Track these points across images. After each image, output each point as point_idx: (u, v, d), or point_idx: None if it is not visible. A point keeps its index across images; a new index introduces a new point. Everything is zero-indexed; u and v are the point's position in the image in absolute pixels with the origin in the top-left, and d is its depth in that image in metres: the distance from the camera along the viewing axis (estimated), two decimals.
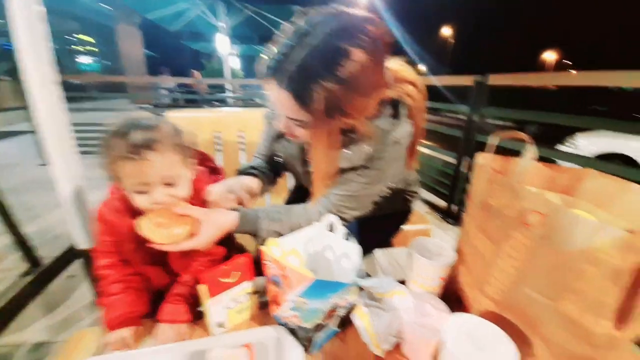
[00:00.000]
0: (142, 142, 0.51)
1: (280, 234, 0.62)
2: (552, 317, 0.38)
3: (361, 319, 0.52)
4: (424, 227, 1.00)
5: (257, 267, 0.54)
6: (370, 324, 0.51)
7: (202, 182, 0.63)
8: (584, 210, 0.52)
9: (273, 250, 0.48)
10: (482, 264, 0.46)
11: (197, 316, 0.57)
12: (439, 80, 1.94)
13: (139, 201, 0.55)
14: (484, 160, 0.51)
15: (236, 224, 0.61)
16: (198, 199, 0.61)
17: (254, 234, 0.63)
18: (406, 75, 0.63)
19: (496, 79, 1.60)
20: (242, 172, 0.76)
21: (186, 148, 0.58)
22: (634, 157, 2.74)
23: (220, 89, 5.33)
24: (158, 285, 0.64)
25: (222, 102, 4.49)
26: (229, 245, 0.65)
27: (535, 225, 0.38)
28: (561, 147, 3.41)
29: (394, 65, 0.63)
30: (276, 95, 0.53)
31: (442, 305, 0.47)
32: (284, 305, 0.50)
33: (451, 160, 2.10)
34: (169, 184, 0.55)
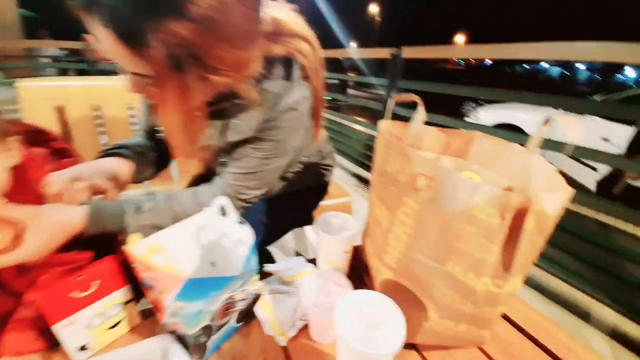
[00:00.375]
0: None
1: (160, 228, 0.51)
2: (440, 279, 0.38)
3: (263, 309, 0.46)
4: (345, 200, 0.99)
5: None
6: (273, 312, 0.46)
7: (36, 169, 0.46)
8: (474, 172, 0.54)
9: (136, 248, 0.38)
10: (380, 232, 0.44)
11: (55, 340, 0.44)
12: (359, 53, 1.95)
13: None
14: (383, 126, 0.49)
15: (84, 223, 0.46)
16: (30, 193, 0.45)
17: (119, 234, 0.50)
18: (297, 28, 0.53)
19: (409, 52, 1.66)
20: (105, 153, 0.57)
21: None
22: (520, 126, 3.28)
23: None
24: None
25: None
26: (97, 246, 0.52)
27: (423, 189, 0.36)
28: (466, 119, 3.91)
29: (281, 14, 0.52)
30: (100, 36, 0.38)
31: (345, 282, 0.44)
32: (165, 312, 0.41)
33: (375, 133, 2.18)
34: None
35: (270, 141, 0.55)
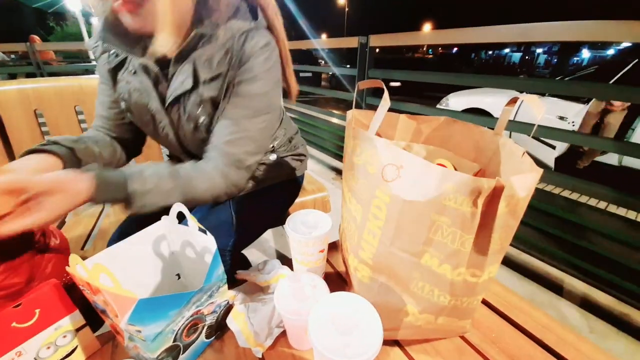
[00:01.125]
0: None
1: (168, 201, 0.46)
2: (416, 272, 0.37)
3: (236, 320, 0.43)
4: (322, 195, 0.97)
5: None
6: (246, 322, 0.43)
7: None
8: (446, 159, 0.53)
9: (78, 270, 0.33)
10: (355, 228, 0.42)
11: None
12: (327, 43, 1.90)
13: None
14: (350, 116, 0.46)
15: (91, 192, 0.42)
16: None
17: (126, 203, 0.46)
18: None
19: (377, 40, 1.64)
20: (30, 150, 0.49)
21: None
22: (488, 110, 3.41)
23: (81, 58, 4.15)
24: None
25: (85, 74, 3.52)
26: (28, 271, 0.46)
27: (392, 180, 0.34)
28: (439, 106, 4.00)
29: None
30: None
31: (321, 284, 0.42)
32: (123, 336, 0.37)
33: None
34: None
35: (251, 97, 0.53)
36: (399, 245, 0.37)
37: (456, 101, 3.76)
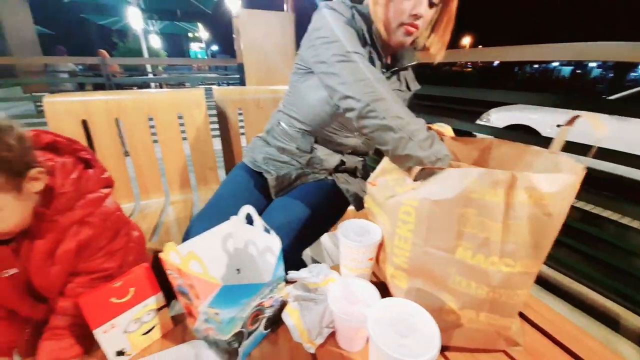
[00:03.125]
0: None
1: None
2: (452, 267, 0.39)
3: (291, 316, 0.47)
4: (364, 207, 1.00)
5: (160, 276, 0.45)
6: (300, 320, 0.47)
7: (64, 177, 0.47)
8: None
9: (172, 256, 0.39)
10: (387, 238, 0.47)
11: (90, 345, 0.46)
12: None
13: None
14: None
15: None
16: (59, 202, 0.47)
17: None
18: None
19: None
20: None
21: (7, 160, 0.40)
22: (533, 127, 3.23)
23: (142, 71, 4.64)
24: (30, 316, 0.50)
25: (144, 88, 3.92)
26: (131, 260, 0.54)
27: (417, 187, 0.39)
28: (479, 122, 3.86)
29: None
30: None
31: (372, 289, 0.45)
32: (197, 318, 0.42)
33: None
34: None
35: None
36: (433, 244, 0.40)
37: (499, 117, 3.59)
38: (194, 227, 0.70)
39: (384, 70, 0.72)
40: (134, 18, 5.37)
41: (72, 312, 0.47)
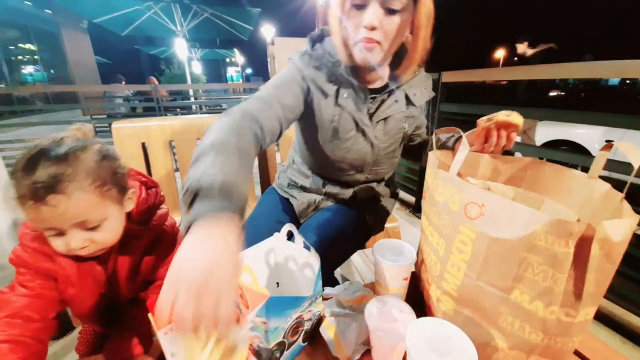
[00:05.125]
0: (46, 181, 0.41)
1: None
2: (505, 307, 0.38)
3: (328, 331, 0.50)
4: (393, 225, 1.00)
5: None
6: (338, 335, 0.49)
7: (137, 197, 0.55)
8: (529, 199, 0.54)
9: None
10: (437, 260, 0.46)
11: (149, 347, 0.52)
12: None
13: (55, 245, 0.46)
14: (432, 156, 0.52)
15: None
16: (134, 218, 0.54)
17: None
18: None
19: (449, 77, 1.67)
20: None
21: (115, 180, 0.48)
22: (579, 143, 2.99)
23: (184, 95, 5.11)
24: (103, 326, 0.58)
25: (186, 109, 4.30)
26: None
27: (476, 217, 0.38)
28: (518, 138, 3.67)
29: None
30: None
31: (407, 308, 0.46)
32: (244, 325, 0.46)
33: None
34: (89, 228, 0.46)
35: None
36: (487, 280, 0.39)
37: (540, 132, 3.36)
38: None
39: (371, 97, 0.70)
40: (180, 47, 5.96)
41: (139, 315, 0.53)
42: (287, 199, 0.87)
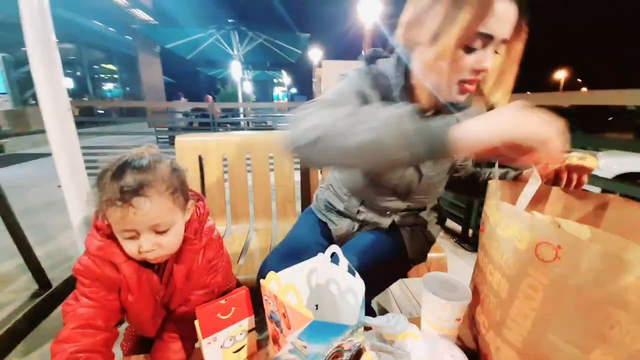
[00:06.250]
0: (133, 186, 0.47)
1: None
2: None
3: None
4: (439, 255, 0.94)
5: (254, 300, 0.51)
6: None
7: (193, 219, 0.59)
8: (611, 242, 0.47)
9: (272, 284, 0.45)
10: (497, 303, 0.41)
11: (190, 354, 0.54)
12: None
13: (127, 248, 0.51)
14: (494, 186, 0.48)
15: None
16: (193, 232, 0.58)
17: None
18: None
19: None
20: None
21: (182, 190, 0.54)
22: None
23: (234, 112, 5.54)
24: (152, 332, 0.61)
25: (235, 125, 4.63)
26: (226, 277, 0.62)
27: (550, 260, 0.33)
28: None
29: None
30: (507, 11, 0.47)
31: (460, 355, 0.42)
32: (283, 346, 0.46)
33: None
34: (159, 232, 0.51)
35: None
36: (561, 334, 0.34)
37: (608, 162, 2.99)
38: (269, 261, 0.76)
39: None
40: (235, 69, 6.52)
41: (188, 319, 0.56)
42: (325, 223, 0.87)
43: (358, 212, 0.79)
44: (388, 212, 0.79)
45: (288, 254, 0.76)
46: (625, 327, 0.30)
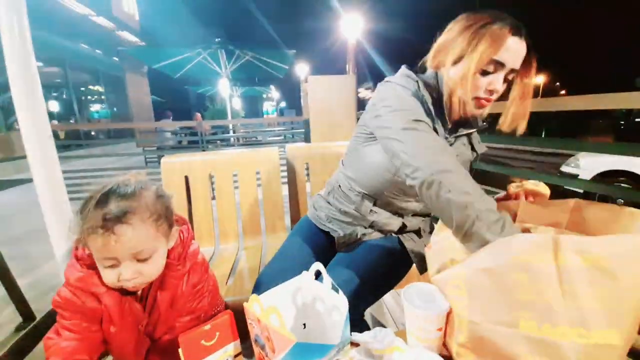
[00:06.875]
0: (116, 213, 0.47)
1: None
2: (521, 345, 0.36)
3: None
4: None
5: (242, 324, 0.51)
6: None
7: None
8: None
9: (254, 307, 0.45)
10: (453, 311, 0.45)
11: None
12: None
13: (106, 276, 0.50)
14: None
15: None
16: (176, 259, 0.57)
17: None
18: None
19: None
20: None
21: (167, 216, 0.54)
22: (638, 172, 2.68)
23: (224, 129, 5.56)
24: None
25: (225, 142, 4.63)
26: (213, 301, 0.62)
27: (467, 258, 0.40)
28: (564, 168, 3.39)
29: None
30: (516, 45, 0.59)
31: None
32: None
33: None
34: (140, 260, 0.51)
35: None
36: (491, 319, 0.38)
37: (590, 162, 3.09)
38: (264, 277, 0.76)
39: (447, 136, 0.72)
40: (223, 86, 6.58)
41: (171, 350, 0.55)
42: (326, 232, 0.87)
43: (370, 211, 0.79)
44: (401, 214, 0.81)
45: (283, 267, 0.76)
46: (529, 286, 0.35)
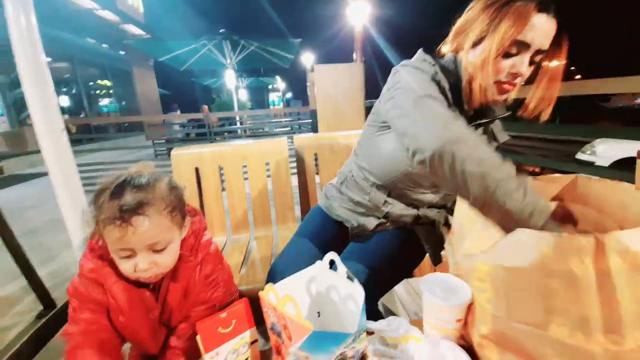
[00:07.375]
0: (132, 204, 0.47)
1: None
2: (548, 348, 0.34)
3: None
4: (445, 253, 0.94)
5: (255, 312, 0.51)
6: None
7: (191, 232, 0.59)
8: (582, 214, 0.50)
9: (270, 296, 0.44)
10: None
11: None
12: None
13: (123, 267, 0.51)
14: None
15: None
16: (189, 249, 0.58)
17: None
18: None
19: None
20: None
21: (180, 208, 0.55)
22: None
23: (231, 120, 5.57)
24: (154, 350, 0.61)
25: (232, 133, 4.65)
26: (227, 290, 0.62)
27: (487, 243, 0.37)
28: (580, 155, 3.30)
29: None
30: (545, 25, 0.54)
31: (463, 355, 0.41)
32: (286, 358, 0.45)
33: None
34: (156, 250, 0.51)
35: None
36: (517, 317, 0.36)
37: (608, 148, 3.00)
38: (277, 266, 0.76)
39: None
40: (229, 78, 6.56)
41: (190, 335, 0.55)
42: (339, 222, 0.85)
43: (385, 202, 0.76)
44: (416, 205, 0.78)
45: (295, 256, 0.76)
46: (563, 294, 0.32)
